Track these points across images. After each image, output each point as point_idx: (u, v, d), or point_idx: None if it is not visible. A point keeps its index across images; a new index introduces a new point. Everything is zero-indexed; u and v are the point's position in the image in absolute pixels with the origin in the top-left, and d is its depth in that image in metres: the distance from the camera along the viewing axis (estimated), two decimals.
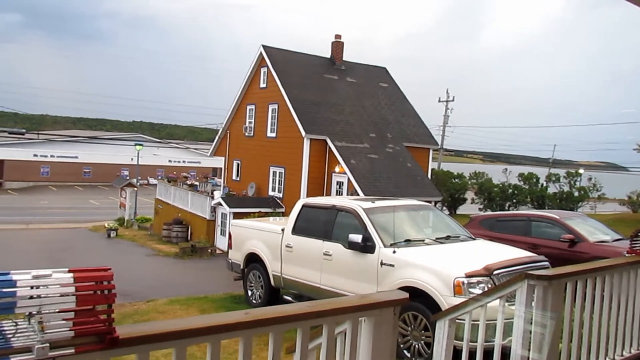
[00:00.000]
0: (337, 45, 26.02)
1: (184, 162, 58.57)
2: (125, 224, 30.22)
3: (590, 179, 33.37)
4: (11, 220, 30.13)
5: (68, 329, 2.08)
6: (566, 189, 32.37)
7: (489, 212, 23.15)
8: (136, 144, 37.73)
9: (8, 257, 18.61)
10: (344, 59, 26.20)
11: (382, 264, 7.26)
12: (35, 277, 2.09)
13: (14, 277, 2.04)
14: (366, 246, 7.51)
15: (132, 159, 44.11)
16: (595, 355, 4.32)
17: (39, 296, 2.07)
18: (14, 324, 2.07)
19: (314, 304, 2.74)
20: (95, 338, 2.11)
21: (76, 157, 53.49)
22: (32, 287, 2.07)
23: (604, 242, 10.29)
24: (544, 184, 33.20)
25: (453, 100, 43.19)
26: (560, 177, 33.47)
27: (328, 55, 26.01)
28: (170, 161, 57.16)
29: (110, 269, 2.26)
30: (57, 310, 2.09)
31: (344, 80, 25.24)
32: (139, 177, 38.61)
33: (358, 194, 18.53)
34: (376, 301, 2.91)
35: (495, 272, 6.41)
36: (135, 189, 32.98)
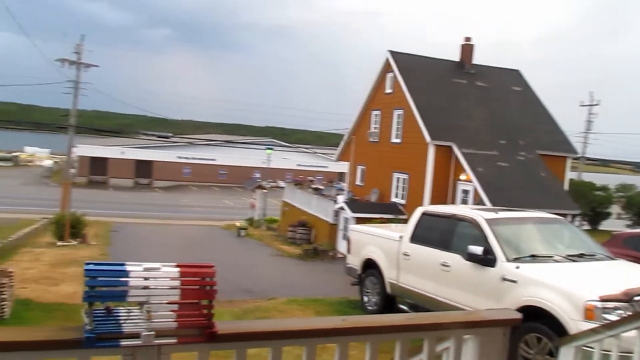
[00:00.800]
0: (467, 48, 25.16)
1: (311, 166, 60.35)
2: (254, 223, 31.80)
3: None
4: (156, 216, 33.19)
5: (172, 319, 2.21)
6: None
7: (637, 230, 20.81)
8: (267, 148, 39.63)
9: (149, 248, 20.52)
10: (474, 62, 25.25)
11: (503, 279, 6.83)
12: (146, 270, 2.25)
13: (128, 268, 2.22)
14: (486, 259, 7.12)
15: (263, 162, 46.40)
16: None
17: (148, 287, 2.22)
18: (127, 310, 2.24)
19: (413, 317, 2.64)
20: (196, 331, 2.21)
21: (214, 160, 57.53)
22: (143, 279, 2.23)
23: None
24: None
25: (598, 104, 39.64)
26: None
27: (457, 58, 25.25)
28: (298, 165, 59.21)
29: (213, 266, 2.36)
30: (163, 302, 2.23)
31: (473, 85, 24.33)
32: (269, 180, 40.50)
33: (484, 204, 17.70)
34: (483, 319, 2.73)
35: (636, 299, 5.73)
36: (265, 191, 34.61)
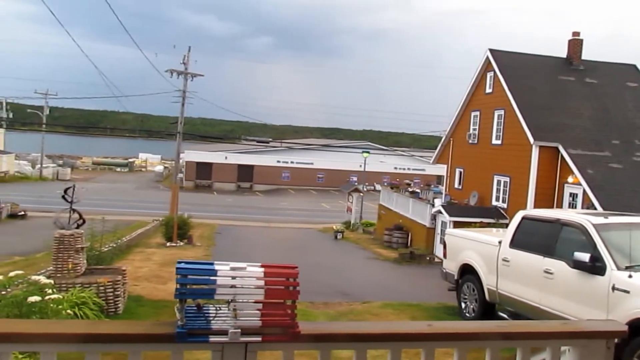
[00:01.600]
0: (575, 44, 23.62)
1: (408, 169, 59.64)
2: (351, 227, 31.98)
3: None
4: (256, 218, 34.45)
5: (257, 318, 2.29)
6: None
7: None
8: (363, 152, 39.70)
9: (249, 249, 21.31)
10: (584, 57, 23.64)
11: (614, 288, 6.32)
12: (233, 269, 2.35)
13: (216, 267, 2.33)
14: (595, 267, 6.63)
15: (359, 166, 46.54)
16: None
17: (235, 286, 2.32)
18: (216, 308, 2.35)
19: (505, 324, 2.53)
20: (279, 330, 2.28)
21: (311, 164, 58.67)
22: (231, 278, 2.34)
23: None
24: None
25: None
26: None
27: (564, 55, 23.79)
28: (395, 168, 58.77)
29: (296, 267, 2.42)
30: (249, 300, 2.32)
31: (582, 82, 22.78)
32: (366, 183, 40.53)
33: (595, 208, 16.48)
34: (583, 330, 2.54)
35: None
36: (362, 194, 34.67)
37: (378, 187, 36.36)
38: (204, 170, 56.93)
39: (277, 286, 2.33)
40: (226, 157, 56.95)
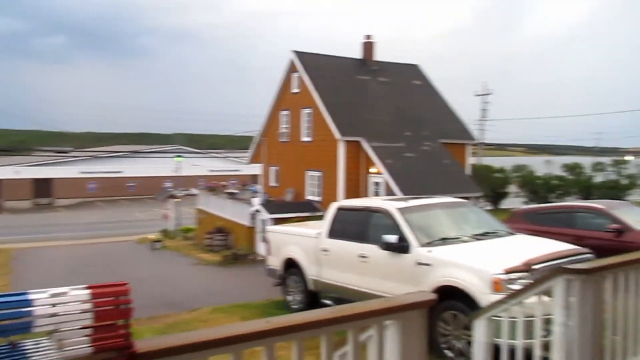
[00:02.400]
0: (368, 46, 25.91)
1: (223, 170, 59.45)
2: (169, 234, 30.87)
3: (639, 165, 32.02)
4: (61, 237, 31.24)
5: (87, 345, 2.11)
6: (613, 177, 31.12)
7: (531, 206, 22.50)
8: (176, 156, 38.57)
9: (57, 273, 19.28)
10: (377, 58, 26.05)
11: (418, 263, 7.15)
12: (53, 295, 2.12)
13: (31, 297, 2.08)
14: (401, 246, 7.41)
15: (173, 171, 45.05)
16: None
17: (56, 314, 2.10)
18: (35, 342, 2.10)
19: (335, 310, 2.69)
20: (114, 353, 2.13)
21: (120, 172, 55.05)
22: (50, 305, 2.11)
23: None
24: (590, 174, 32.03)
25: (491, 93, 42.35)
26: (607, 165, 32.20)
27: (360, 56, 25.93)
28: (210, 171, 58.09)
29: (127, 284, 2.28)
30: (75, 327, 2.12)
31: (376, 80, 25.09)
32: (181, 188, 39.41)
33: (395, 194, 18.35)
34: (402, 304, 2.83)
35: (535, 268, 6.21)
36: (178, 200, 33.65)
37: (194, 191, 35.65)
38: None
39: (106, 307, 2.18)
40: (18, 172, 50.47)
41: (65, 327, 2.09)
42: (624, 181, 30.58)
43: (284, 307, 10.17)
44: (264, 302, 11.27)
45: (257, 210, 22.54)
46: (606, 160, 34.01)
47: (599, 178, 31.52)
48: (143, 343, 2.21)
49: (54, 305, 2.07)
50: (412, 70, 27.29)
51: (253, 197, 25.30)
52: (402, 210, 7.91)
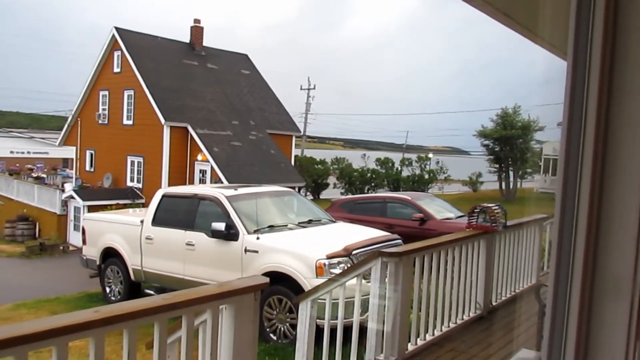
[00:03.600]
0: (197, 30, 25.31)
1: (28, 152, 53.18)
2: None
3: (438, 162, 36.38)
4: None
5: None
6: (418, 172, 34.97)
7: (349, 196, 24.26)
8: None
9: None
10: (205, 45, 25.57)
11: (246, 250, 7.28)
12: None
13: None
14: (230, 234, 7.47)
15: None
16: (440, 321, 4.77)
17: None
18: None
19: (169, 296, 2.67)
20: None
21: None
22: None
23: (449, 219, 11.31)
24: (399, 168, 35.54)
25: (314, 88, 44.32)
26: (413, 161, 36.06)
27: (187, 40, 25.20)
28: (12, 152, 51.53)
29: None
30: None
31: (204, 67, 24.67)
32: None
33: (222, 182, 18.32)
34: (236, 288, 2.91)
35: (353, 252, 6.75)
36: None
37: None
38: None
39: None
40: None
41: None
42: (426, 176, 34.51)
43: (102, 300, 9.58)
44: (78, 295, 10.48)
45: (70, 197, 20.70)
46: (412, 156, 38.00)
47: (406, 172, 35.12)
48: None
49: None
50: (241, 60, 27.37)
51: (65, 182, 23.15)
52: (231, 198, 7.96)
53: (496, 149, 30.25)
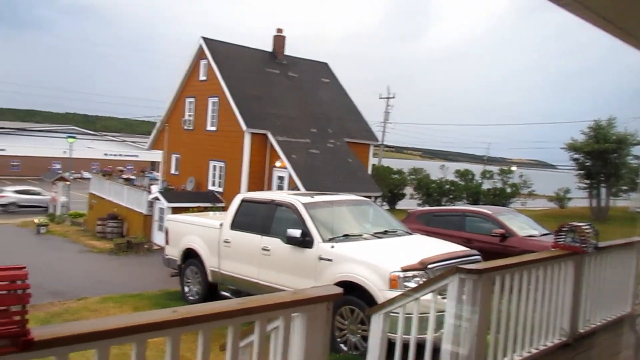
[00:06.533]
0: (279, 40, 25.90)
1: (120, 155, 56.67)
2: (56, 219, 28.91)
3: (521, 176, 34.83)
4: None
5: None
6: (499, 185, 33.69)
7: (426, 207, 23.77)
8: (68, 136, 36.13)
9: None
10: (286, 53, 26.11)
11: (320, 258, 7.29)
12: None
13: None
14: (304, 241, 7.51)
15: (64, 152, 42.20)
16: (520, 345, 4.50)
17: None
18: None
19: (244, 301, 2.70)
20: (8, 341, 1.99)
21: (3, 150, 50.66)
22: None
23: (532, 237, 10.76)
24: (479, 181, 34.40)
25: (394, 97, 44.02)
26: (494, 174, 34.77)
27: (270, 49, 25.85)
28: (106, 154, 55.18)
29: (25, 268, 2.13)
30: None
31: (285, 75, 25.17)
32: (72, 171, 37.01)
33: (299, 189, 18.55)
34: (309, 297, 2.89)
35: (430, 266, 6.57)
36: (68, 183, 31.59)
37: (87, 174, 33.68)
38: None
39: (1, 291, 2.02)
40: None
41: None
42: (509, 189, 33.15)
43: (180, 299, 9.94)
44: (159, 292, 10.93)
45: (156, 198, 21.76)
46: (494, 169, 36.67)
47: (486, 185, 33.93)
48: (39, 330, 2.09)
49: None
50: (321, 68, 27.68)
51: (151, 184, 24.38)
52: (307, 206, 8.01)
53: (587, 164, 28.47)
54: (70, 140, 35.29)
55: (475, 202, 31.07)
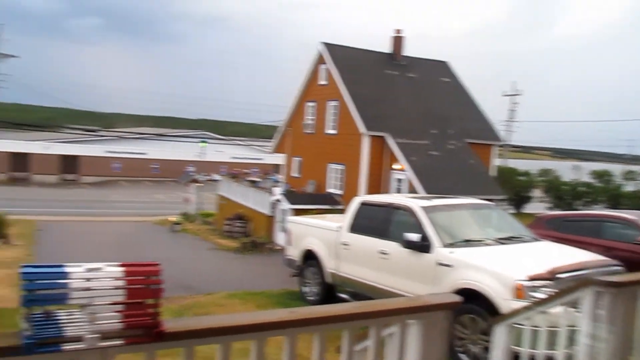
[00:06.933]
0: (397, 40, 25.71)
1: (246, 158, 59.73)
2: (189, 218, 31.18)
3: None
4: (84, 213, 31.81)
5: (118, 320, 2.14)
6: None
7: (557, 212, 22.14)
8: (201, 141, 38.87)
9: (78, 247, 19.66)
10: (405, 54, 25.85)
11: (439, 264, 7.09)
12: (88, 270, 2.16)
13: (67, 270, 2.12)
14: (423, 245, 7.36)
15: (196, 156, 45.46)
16: None
17: (90, 288, 2.14)
18: (69, 313, 2.15)
19: (360, 305, 2.69)
20: (143, 331, 2.16)
21: (145, 154, 55.72)
22: (85, 280, 2.15)
23: None
24: (620, 182, 31.27)
25: (519, 94, 41.72)
26: (638, 174, 31.35)
27: (388, 50, 25.76)
28: (233, 158, 58.41)
29: (158, 264, 2.30)
30: (107, 303, 2.16)
31: (404, 76, 24.92)
32: (204, 173, 39.73)
33: (418, 192, 18.24)
34: (426, 304, 2.82)
35: (560, 276, 6.11)
36: (200, 184, 33.93)
37: (216, 177, 35.94)
38: (20, 161, 50.81)
39: (137, 285, 2.21)
40: (47, 147, 51.40)
41: (97, 302, 2.13)
42: None
43: (300, 298, 10.21)
44: (280, 291, 11.33)
45: (278, 200, 22.61)
46: (637, 168, 33.18)
47: (629, 187, 30.78)
48: (171, 323, 2.24)
49: (88, 279, 2.11)
50: (441, 67, 27.02)
51: (274, 186, 25.38)
52: (426, 209, 7.85)
53: None
54: (202, 145, 37.97)
55: (615, 207, 28.33)
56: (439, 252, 7.18)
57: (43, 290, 2.06)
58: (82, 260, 2.26)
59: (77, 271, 2.11)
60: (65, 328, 2.04)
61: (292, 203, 21.48)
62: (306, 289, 10.17)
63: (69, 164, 53.35)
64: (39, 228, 24.06)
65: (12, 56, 29.33)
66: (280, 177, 28.16)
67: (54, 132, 59.94)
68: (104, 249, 19.30)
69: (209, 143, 47.73)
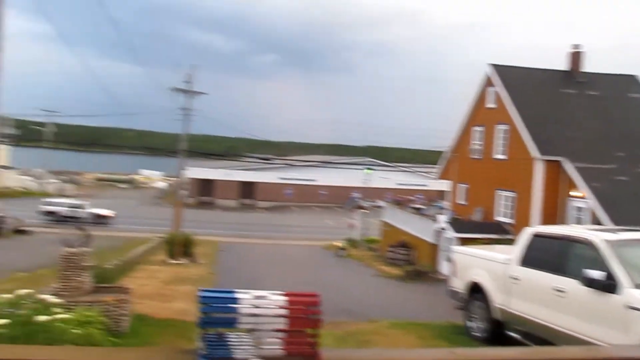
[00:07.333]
0: (576, 56, 23.76)
1: (411, 185, 59.48)
2: (354, 244, 31.84)
3: None
4: (259, 235, 34.36)
5: (279, 347, 2.25)
6: None
7: None
8: (366, 168, 39.70)
9: (252, 267, 21.23)
10: (585, 70, 23.76)
11: (628, 307, 6.23)
12: (255, 297, 2.32)
13: (238, 296, 2.30)
14: (608, 285, 6.54)
15: (362, 182, 46.48)
16: None
17: (257, 315, 2.29)
18: (238, 336, 2.31)
19: (527, 351, 2.48)
20: (302, 358, 2.23)
21: (314, 180, 58.63)
22: (252, 307, 2.30)
23: None
24: None
25: None
26: None
27: (565, 67, 23.91)
28: (398, 184, 58.61)
29: (318, 296, 2.38)
30: (271, 329, 2.28)
31: (583, 94, 22.87)
32: (369, 200, 40.44)
33: (602, 223, 16.39)
34: (608, 357, 2.48)
35: None
36: (365, 210, 34.57)
37: (381, 203, 36.32)
38: (206, 187, 56.93)
39: (298, 315, 2.30)
40: (228, 174, 56.93)
41: (262, 327, 2.26)
42: None
43: (464, 333, 9.72)
44: (443, 323, 10.92)
45: (443, 228, 22.05)
46: None
47: None
48: (329, 353, 2.28)
49: (255, 306, 2.27)
50: (628, 82, 24.26)
51: (439, 213, 24.81)
52: (611, 243, 6.99)
53: None
54: (368, 171, 38.73)
55: None
56: (629, 293, 6.31)
57: (217, 314, 2.25)
58: (255, 279, 2.44)
59: (245, 297, 2.28)
60: (234, 350, 2.20)
61: (458, 231, 20.77)
62: (472, 324, 9.65)
63: (247, 189, 58.34)
64: (220, 248, 26.54)
65: (202, 93, 33.02)
66: (446, 204, 27.46)
67: (234, 160, 66.12)
68: (274, 269, 20.58)
69: (374, 169, 48.54)
